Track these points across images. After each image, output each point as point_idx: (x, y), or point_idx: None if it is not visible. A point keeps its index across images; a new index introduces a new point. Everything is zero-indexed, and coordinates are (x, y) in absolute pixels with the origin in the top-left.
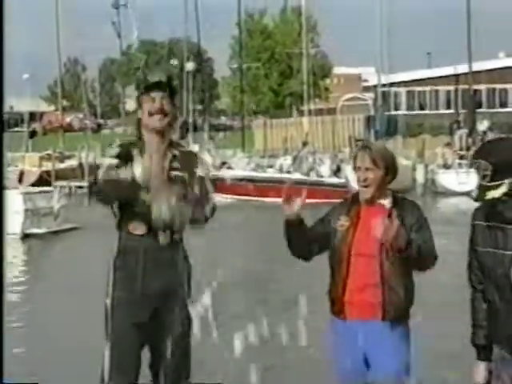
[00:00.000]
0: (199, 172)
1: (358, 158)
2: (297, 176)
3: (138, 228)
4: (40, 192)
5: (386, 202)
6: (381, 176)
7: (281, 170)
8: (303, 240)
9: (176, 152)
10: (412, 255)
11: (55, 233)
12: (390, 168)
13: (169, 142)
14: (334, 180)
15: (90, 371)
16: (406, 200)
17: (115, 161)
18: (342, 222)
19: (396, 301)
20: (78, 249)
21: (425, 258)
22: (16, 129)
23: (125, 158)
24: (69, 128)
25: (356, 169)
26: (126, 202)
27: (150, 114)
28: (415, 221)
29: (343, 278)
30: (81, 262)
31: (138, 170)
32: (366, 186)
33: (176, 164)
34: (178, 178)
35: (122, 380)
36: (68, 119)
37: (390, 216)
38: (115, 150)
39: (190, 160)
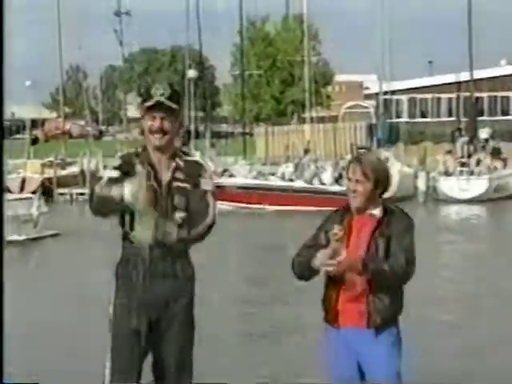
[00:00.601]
0: (203, 185)
1: (350, 169)
2: (299, 184)
3: (137, 236)
4: (20, 199)
5: (377, 212)
6: (370, 188)
7: (283, 178)
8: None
9: (180, 162)
10: (370, 277)
11: (34, 240)
12: (381, 181)
13: (174, 151)
14: (336, 188)
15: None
16: (397, 210)
17: (115, 173)
18: (336, 231)
19: (381, 308)
20: (56, 256)
21: (384, 278)
22: (18, 136)
23: (125, 170)
24: (70, 135)
25: (347, 179)
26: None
27: (151, 132)
28: (400, 231)
29: (337, 288)
30: (58, 269)
31: (128, 188)
32: (355, 197)
33: (179, 175)
34: (180, 189)
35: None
36: (67, 126)
37: (380, 225)
38: (116, 162)
39: (194, 170)
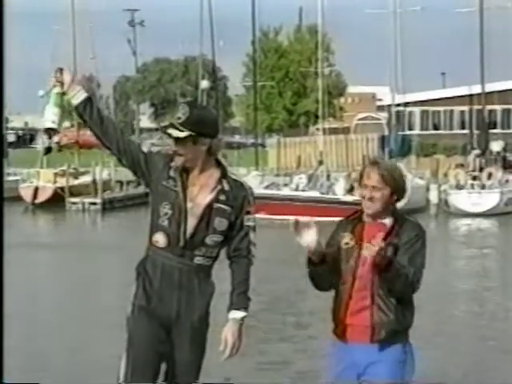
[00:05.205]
0: (246, 221)
1: (365, 174)
2: (314, 194)
3: (159, 240)
4: None
5: (387, 221)
6: (387, 195)
7: (297, 189)
8: (327, 276)
9: (226, 186)
10: (390, 278)
11: None
12: (398, 188)
13: (221, 173)
14: (349, 198)
15: None
16: (407, 220)
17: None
18: (347, 241)
19: (386, 323)
20: None
21: (397, 282)
22: (31, 145)
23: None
24: (83, 144)
25: (363, 186)
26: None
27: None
28: (407, 240)
29: (346, 301)
30: None
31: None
32: (371, 204)
33: (223, 197)
34: (221, 210)
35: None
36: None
37: (390, 234)
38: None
39: (238, 194)
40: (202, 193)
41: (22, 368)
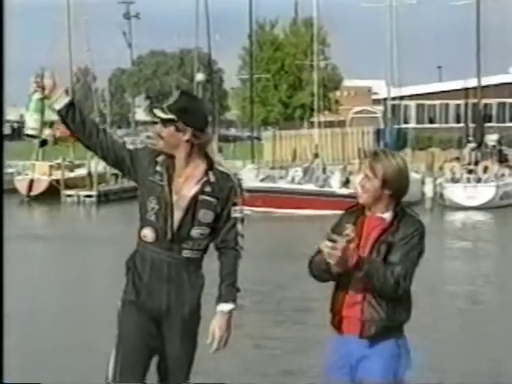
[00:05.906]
0: (233, 212)
1: (364, 163)
2: (309, 187)
3: (147, 235)
4: None
5: (387, 216)
6: (376, 186)
7: (292, 182)
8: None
9: (212, 178)
10: (362, 278)
11: None
12: (390, 181)
13: (208, 164)
14: (345, 191)
15: None
16: (407, 215)
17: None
18: (348, 232)
19: (377, 320)
20: None
21: (372, 283)
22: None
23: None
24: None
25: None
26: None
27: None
28: (403, 237)
29: (343, 293)
30: None
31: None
32: (361, 192)
33: (208, 188)
34: (206, 202)
35: (127, 379)
36: None
37: (387, 230)
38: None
39: (224, 185)
40: (186, 185)
41: (22, 368)
